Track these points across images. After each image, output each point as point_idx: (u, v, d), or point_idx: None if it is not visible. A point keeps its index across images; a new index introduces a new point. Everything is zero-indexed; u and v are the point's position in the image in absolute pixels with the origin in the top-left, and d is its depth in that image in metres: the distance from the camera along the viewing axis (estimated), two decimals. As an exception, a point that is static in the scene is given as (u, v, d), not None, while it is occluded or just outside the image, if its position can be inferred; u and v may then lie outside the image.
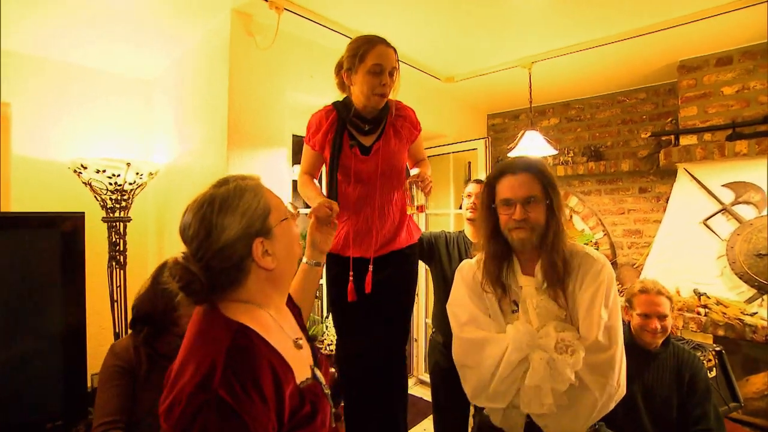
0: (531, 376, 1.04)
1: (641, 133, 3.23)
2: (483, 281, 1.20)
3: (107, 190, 2.18)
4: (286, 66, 2.26)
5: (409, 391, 3.06)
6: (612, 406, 1.06)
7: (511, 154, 2.64)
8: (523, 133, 2.60)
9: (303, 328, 0.95)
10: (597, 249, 3.33)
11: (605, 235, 3.34)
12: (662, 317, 1.62)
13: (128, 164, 2.17)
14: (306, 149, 1.53)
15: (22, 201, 2.21)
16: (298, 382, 0.75)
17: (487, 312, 1.18)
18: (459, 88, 3.25)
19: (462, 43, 2.48)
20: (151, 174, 2.33)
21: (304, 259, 1.11)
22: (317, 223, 1.13)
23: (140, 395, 1.19)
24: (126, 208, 2.30)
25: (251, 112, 2.10)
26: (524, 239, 1.13)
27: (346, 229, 1.49)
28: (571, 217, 3.51)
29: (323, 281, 2.08)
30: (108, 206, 2.24)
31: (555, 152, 2.69)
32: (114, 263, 2.27)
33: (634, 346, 1.66)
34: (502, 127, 3.95)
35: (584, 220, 3.43)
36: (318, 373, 0.84)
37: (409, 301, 1.62)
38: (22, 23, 2.00)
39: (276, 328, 0.79)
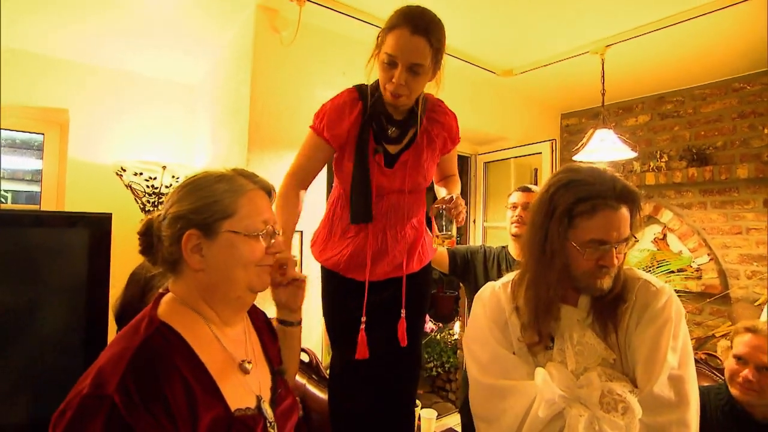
0: None
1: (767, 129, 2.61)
2: (513, 319, 0.98)
3: (145, 192, 2.32)
4: (316, 63, 2.21)
5: (453, 425, 2.77)
6: None
7: (577, 158, 2.29)
8: (592, 133, 2.24)
9: (270, 356, 0.88)
10: (700, 277, 2.75)
11: (711, 259, 2.73)
12: (763, 369, 1.24)
13: (164, 167, 2.29)
14: (314, 141, 1.22)
15: (76, 202, 2.43)
16: (232, 408, 0.70)
17: (512, 349, 0.97)
18: (521, 83, 2.95)
19: (518, 29, 2.22)
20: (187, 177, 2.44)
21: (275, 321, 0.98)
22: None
23: None
24: (163, 211, 2.42)
25: (275, 113, 2.08)
26: (608, 287, 0.90)
27: (352, 248, 1.26)
28: (664, 236, 2.95)
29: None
30: (146, 209, 2.37)
31: (634, 155, 2.27)
32: (150, 265, 2.40)
33: (733, 411, 1.30)
34: (579, 127, 3.51)
35: (682, 240, 2.85)
36: (265, 407, 0.76)
37: (422, 323, 1.41)
38: (74, 32, 2.21)
39: (213, 344, 0.74)
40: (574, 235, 0.88)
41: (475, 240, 3.46)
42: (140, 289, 1.28)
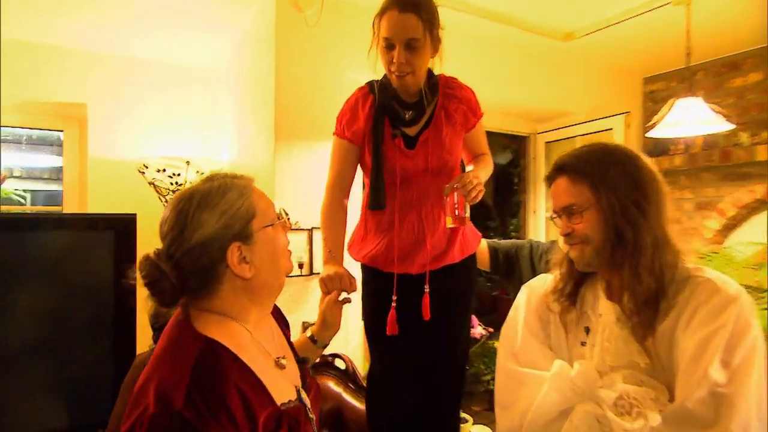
0: None
1: None
2: (550, 298, 1.08)
3: (169, 189, 2.39)
4: (345, 42, 2.17)
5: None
6: None
7: (652, 134, 2.08)
8: (672, 103, 1.98)
9: (291, 345, 0.99)
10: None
11: None
12: None
13: (188, 162, 2.35)
14: (340, 145, 1.38)
15: (98, 202, 2.52)
16: (278, 403, 0.78)
17: (548, 342, 1.06)
18: (586, 47, 2.73)
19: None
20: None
21: (308, 333, 1.12)
22: (334, 297, 1.14)
23: None
24: (188, 208, 2.49)
25: (302, 100, 2.08)
26: (577, 258, 0.99)
27: (387, 240, 1.36)
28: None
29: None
30: (170, 206, 2.45)
31: (730, 127, 1.99)
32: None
33: None
34: (667, 93, 3.16)
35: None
36: (304, 395, 0.87)
37: (466, 320, 1.49)
38: (86, 20, 2.27)
39: (252, 345, 0.82)
40: None
41: (536, 234, 3.28)
42: None
